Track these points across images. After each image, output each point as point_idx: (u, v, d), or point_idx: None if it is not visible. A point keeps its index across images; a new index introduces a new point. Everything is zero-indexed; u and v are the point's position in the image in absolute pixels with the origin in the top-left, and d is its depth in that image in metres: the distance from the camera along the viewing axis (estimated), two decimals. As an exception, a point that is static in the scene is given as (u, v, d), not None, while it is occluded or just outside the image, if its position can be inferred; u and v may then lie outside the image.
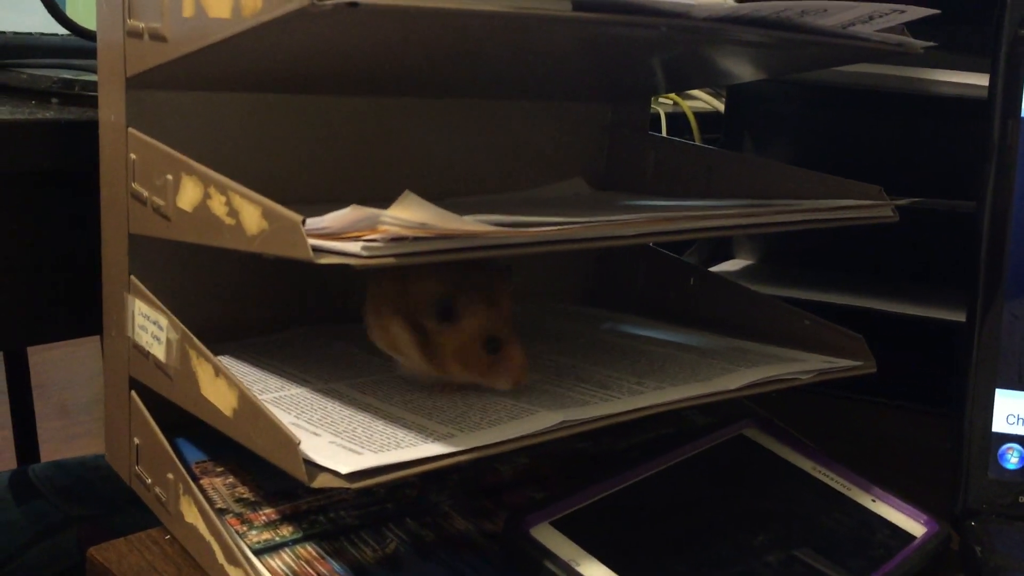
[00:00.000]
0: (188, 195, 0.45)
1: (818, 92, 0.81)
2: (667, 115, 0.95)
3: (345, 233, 0.39)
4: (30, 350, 1.19)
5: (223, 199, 0.43)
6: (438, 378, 0.52)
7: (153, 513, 0.52)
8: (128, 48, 0.49)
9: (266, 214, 0.40)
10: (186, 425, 0.49)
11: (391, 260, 0.38)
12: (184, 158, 0.45)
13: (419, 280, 0.51)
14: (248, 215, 0.41)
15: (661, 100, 1.01)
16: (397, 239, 0.38)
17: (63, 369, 2.50)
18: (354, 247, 0.37)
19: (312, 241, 0.38)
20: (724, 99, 0.95)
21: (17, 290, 0.59)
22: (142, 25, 0.47)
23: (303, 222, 0.38)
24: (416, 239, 0.38)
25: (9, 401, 1.18)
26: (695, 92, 1.04)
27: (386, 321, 0.52)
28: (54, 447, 1.92)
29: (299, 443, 0.39)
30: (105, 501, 0.87)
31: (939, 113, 0.75)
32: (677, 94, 1.00)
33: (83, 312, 0.60)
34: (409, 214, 0.38)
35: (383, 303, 0.53)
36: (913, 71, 0.70)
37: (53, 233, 0.60)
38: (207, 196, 0.44)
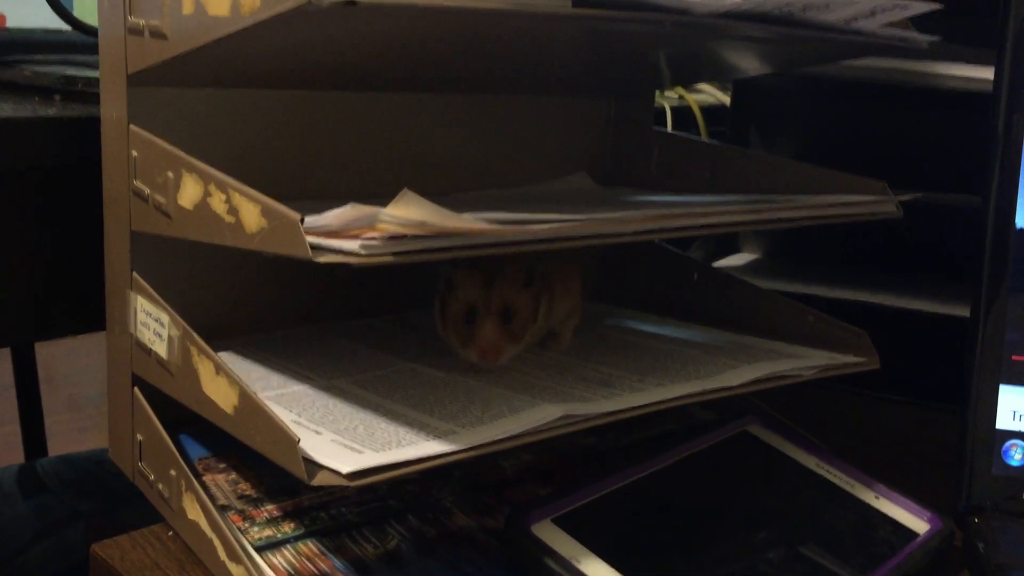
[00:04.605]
0: (189, 193, 0.45)
1: (824, 86, 0.80)
2: (673, 109, 0.95)
3: (344, 231, 0.39)
4: (39, 343, 1.19)
5: (223, 197, 0.43)
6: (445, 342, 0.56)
7: (158, 509, 0.52)
8: (129, 45, 0.49)
9: (265, 212, 0.40)
10: (189, 421, 0.49)
11: (389, 258, 0.38)
12: (184, 155, 0.45)
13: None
14: (248, 213, 0.41)
15: (667, 94, 1.01)
16: (395, 237, 0.38)
17: (72, 362, 2.50)
18: (352, 245, 0.37)
19: (311, 239, 0.38)
20: (730, 93, 0.95)
21: (21, 286, 0.59)
22: (143, 22, 0.47)
23: (302, 220, 0.38)
24: (414, 237, 0.38)
25: (16, 395, 1.19)
26: (701, 86, 1.04)
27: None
28: (63, 440, 1.92)
29: (298, 441, 0.39)
30: (112, 496, 0.88)
31: (945, 107, 0.74)
32: (682, 88, 0.99)
33: (87, 308, 0.60)
34: (407, 212, 0.38)
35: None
36: (918, 65, 0.70)
37: (57, 230, 0.60)
38: (207, 194, 0.44)
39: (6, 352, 1.22)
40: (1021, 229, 0.57)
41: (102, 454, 0.96)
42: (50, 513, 0.86)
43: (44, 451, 1.20)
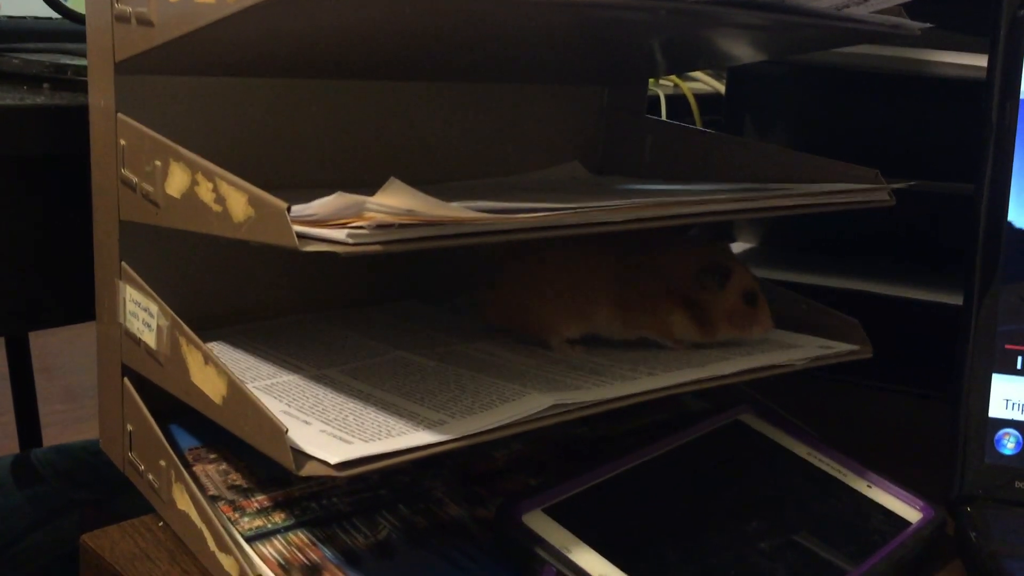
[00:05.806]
0: (176, 181, 0.45)
1: (818, 73, 0.80)
2: (667, 97, 0.94)
3: (331, 220, 0.38)
4: (36, 333, 1.19)
5: (210, 186, 0.42)
6: (701, 343, 0.57)
7: (150, 499, 0.52)
8: (116, 33, 0.49)
9: (252, 201, 0.40)
10: (179, 411, 0.48)
11: (377, 247, 0.37)
12: (172, 144, 0.45)
13: (679, 257, 0.57)
14: (235, 202, 0.41)
15: (661, 82, 1.00)
16: (383, 226, 0.37)
17: (70, 352, 2.50)
18: (339, 234, 0.37)
19: (297, 228, 0.38)
20: (725, 81, 0.95)
21: (11, 277, 0.59)
22: (129, 10, 0.47)
23: (288, 209, 0.38)
24: (402, 226, 0.38)
25: (11, 385, 1.18)
26: (696, 73, 1.04)
27: (655, 307, 0.57)
28: (60, 430, 1.92)
29: (286, 431, 0.39)
30: (107, 485, 0.88)
31: (938, 94, 0.74)
32: (677, 76, 0.99)
33: (79, 298, 0.60)
34: (395, 201, 0.38)
35: (636, 295, 0.57)
36: (912, 52, 0.69)
37: (47, 219, 0.60)
38: (195, 183, 0.43)
39: (0, 342, 1.22)
40: (1013, 216, 0.57)
41: (97, 444, 0.95)
42: (45, 503, 0.85)
43: (39, 441, 1.20)
